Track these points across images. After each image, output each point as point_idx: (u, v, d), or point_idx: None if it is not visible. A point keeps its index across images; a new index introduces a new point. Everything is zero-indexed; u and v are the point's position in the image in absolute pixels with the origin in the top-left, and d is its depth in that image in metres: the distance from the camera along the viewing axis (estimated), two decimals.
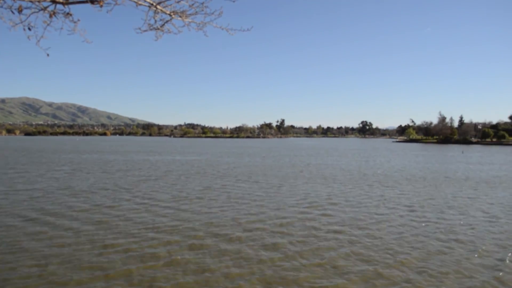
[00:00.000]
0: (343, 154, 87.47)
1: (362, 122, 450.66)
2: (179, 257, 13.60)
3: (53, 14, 7.11)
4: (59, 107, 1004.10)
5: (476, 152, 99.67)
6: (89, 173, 40.05)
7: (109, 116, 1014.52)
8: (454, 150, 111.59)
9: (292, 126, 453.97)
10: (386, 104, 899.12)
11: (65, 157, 66.50)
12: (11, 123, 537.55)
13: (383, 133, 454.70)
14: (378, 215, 20.90)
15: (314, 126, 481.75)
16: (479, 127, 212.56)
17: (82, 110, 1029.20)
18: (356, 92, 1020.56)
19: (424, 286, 11.44)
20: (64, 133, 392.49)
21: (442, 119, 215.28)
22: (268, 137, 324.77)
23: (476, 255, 14.16)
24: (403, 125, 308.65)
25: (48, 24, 7.22)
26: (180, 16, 7.78)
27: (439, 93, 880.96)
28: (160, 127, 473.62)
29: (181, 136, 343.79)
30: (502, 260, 13.70)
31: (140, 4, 7.27)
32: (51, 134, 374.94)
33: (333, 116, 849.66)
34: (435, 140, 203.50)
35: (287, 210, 21.98)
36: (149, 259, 13.45)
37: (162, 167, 49.29)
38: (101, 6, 6.89)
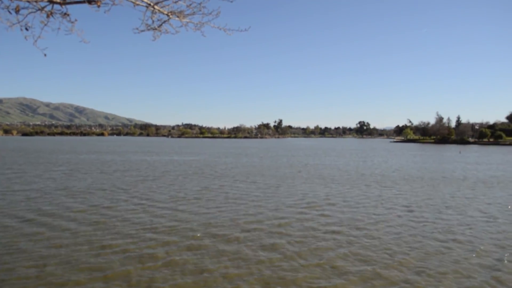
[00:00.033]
0: (340, 154, 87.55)
1: (359, 122, 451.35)
2: (177, 258, 13.58)
3: (50, 14, 7.09)
4: (57, 108, 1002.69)
5: (473, 152, 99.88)
6: (87, 174, 39.97)
7: (106, 117, 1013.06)
8: (451, 150, 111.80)
9: (290, 127, 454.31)
10: (383, 104, 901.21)
11: (63, 157, 66.35)
12: (8, 123, 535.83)
13: (381, 133, 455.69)
14: (376, 215, 20.91)
15: (312, 126, 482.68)
16: (476, 127, 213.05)
17: (80, 110, 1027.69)
18: (354, 92, 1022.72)
19: (423, 286, 11.44)
20: (61, 134, 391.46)
21: (440, 119, 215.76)
22: (266, 137, 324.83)
23: (474, 255, 14.17)
24: (400, 125, 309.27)
25: (45, 24, 7.19)
26: (178, 16, 7.77)
27: (437, 93, 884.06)
28: (157, 128, 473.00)
29: (179, 137, 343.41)
30: (500, 260, 13.72)
31: (137, 4, 7.25)
32: (49, 134, 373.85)
33: (331, 116, 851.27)
34: (433, 140, 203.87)
35: (285, 210, 21.97)
36: (147, 259, 13.42)
37: (159, 167, 49.24)
38: (99, 6, 6.88)
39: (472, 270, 12.69)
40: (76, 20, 7.31)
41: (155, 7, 7.45)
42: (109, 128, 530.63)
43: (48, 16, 7.10)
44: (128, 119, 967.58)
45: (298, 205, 23.46)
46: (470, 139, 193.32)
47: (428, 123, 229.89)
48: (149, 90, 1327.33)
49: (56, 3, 6.94)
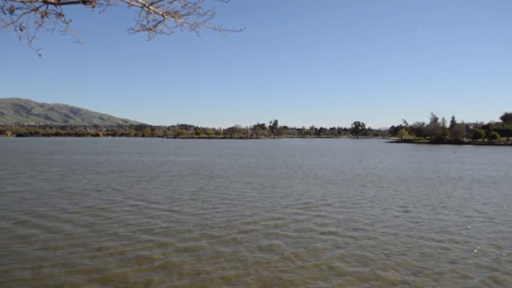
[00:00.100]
0: (336, 154, 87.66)
1: (355, 123, 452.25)
2: (174, 259, 13.53)
3: (45, 14, 7.06)
4: (51, 108, 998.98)
5: (468, 152, 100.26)
6: (82, 175, 39.80)
7: (101, 117, 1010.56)
8: (446, 150, 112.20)
9: (285, 127, 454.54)
10: (378, 105, 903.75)
11: (57, 158, 66.06)
12: (2, 124, 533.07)
13: (376, 133, 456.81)
14: (372, 215, 20.93)
15: (307, 127, 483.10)
16: (471, 127, 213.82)
17: (74, 111, 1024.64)
18: (349, 92, 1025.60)
19: (420, 286, 11.45)
20: (56, 134, 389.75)
21: (434, 119, 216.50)
22: (261, 138, 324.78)
23: (471, 255, 14.20)
24: (395, 125, 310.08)
25: (40, 25, 7.17)
26: (173, 17, 7.76)
27: (432, 94, 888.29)
28: (153, 128, 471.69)
29: (174, 137, 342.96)
30: (497, 260, 13.76)
31: (132, 5, 7.23)
32: (43, 135, 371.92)
33: (326, 117, 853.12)
34: (427, 141, 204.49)
35: (281, 211, 21.95)
36: (144, 261, 13.36)
37: (155, 168, 49.12)
38: (93, 6, 6.85)
39: (469, 270, 12.72)
40: (71, 20, 7.28)
41: (150, 7, 7.43)
42: (104, 129, 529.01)
43: (42, 17, 7.07)
44: (123, 120, 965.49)
45: (294, 206, 23.45)
46: (465, 139, 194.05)
47: (423, 124, 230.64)
48: (145, 91, 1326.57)
49: (51, 3, 6.91)
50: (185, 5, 7.68)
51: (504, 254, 14.35)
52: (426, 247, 15.16)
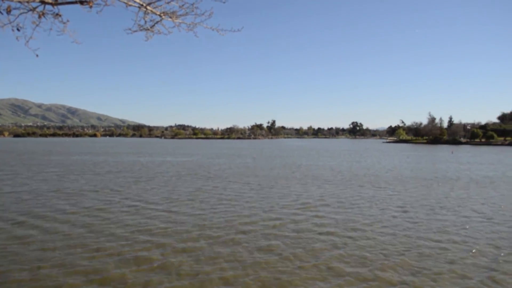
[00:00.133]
0: (334, 154, 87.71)
1: (352, 123, 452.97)
2: (172, 260, 13.51)
3: (42, 14, 7.04)
4: (49, 108, 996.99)
5: (465, 152, 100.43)
6: (79, 175, 39.71)
7: (99, 117, 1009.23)
8: (443, 151, 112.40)
9: (283, 127, 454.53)
10: (376, 105, 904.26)
11: (55, 158, 65.92)
12: None
13: (374, 133, 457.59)
14: (370, 216, 20.94)
15: (305, 127, 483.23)
16: (468, 127, 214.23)
17: (72, 111, 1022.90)
18: (347, 93, 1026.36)
19: (419, 286, 11.46)
20: (53, 135, 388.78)
21: (432, 119, 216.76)
22: (259, 138, 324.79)
23: (470, 255, 14.22)
24: (393, 126, 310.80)
25: (37, 25, 7.15)
26: (170, 17, 7.75)
27: (429, 94, 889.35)
28: (150, 128, 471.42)
29: (172, 137, 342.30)
30: (495, 260, 13.78)
31: (130, 5, 7.22)
32: (41, 135, 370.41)
33: (323, 117, 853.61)
34: (425, 141, 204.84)
35: (280, 211, 21.94)
36: (142, 262, 13.33)
37: (153, 168, 49.05)
38: (91, 6, 6.84)
39: (467, 270, 12.73)
40: (68, 20, 7.27)
41: (148, 7, 7.42)
42: (102, 129, 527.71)
43: (40, 17, 7.05)
44: (121, 120, 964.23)
45: (293, 206, 23.45)
46: (462, 140, 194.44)
47: (421, 124, 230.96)
48: (142, 91, 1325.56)
49: (48, 3, 6.89)
50: (183, 5, 7.68)
51: (502, 254, 14.38)
52: (425, 247, 15.17)
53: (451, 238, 16.52)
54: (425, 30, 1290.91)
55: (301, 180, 36.60)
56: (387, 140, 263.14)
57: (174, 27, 8.00)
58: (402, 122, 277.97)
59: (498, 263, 13.41)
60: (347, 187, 31.94)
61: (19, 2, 6.73)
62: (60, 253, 14.12)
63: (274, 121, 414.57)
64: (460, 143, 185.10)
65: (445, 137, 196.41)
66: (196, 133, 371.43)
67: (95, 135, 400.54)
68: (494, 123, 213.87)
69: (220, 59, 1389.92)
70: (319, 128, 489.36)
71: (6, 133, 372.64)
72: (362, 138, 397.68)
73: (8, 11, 6.79)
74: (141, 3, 7.29)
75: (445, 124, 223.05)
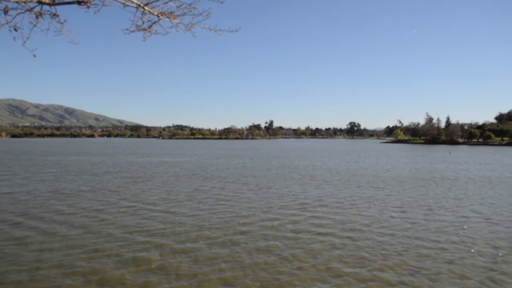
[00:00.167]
0: (332, 155, 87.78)
1: (350, 123, 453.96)
2: (171, 261, 13.48)
3: (39, 15, 7.02)
4: (46, 109, 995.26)
5: (463, 153, 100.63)
6: (77, 176, 39.64)
7: (96, 118, 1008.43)
8: (441, 151, 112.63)
9: (281, 127, 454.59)
10: (374, 105, 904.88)
11: (52, 159, 65.79)
12: None
13: (371, 134, 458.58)
14: (369, 216, 20.94)
15: (303, 127, 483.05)
16: (466, 127, 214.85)
17: (70, 111, 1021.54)
18: (345, 93, 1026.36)
19: (418, 287, 11.47)
20: (51, 135, 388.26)
21: (429, 120, 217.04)
22: (257, 138, 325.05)
23: (468, 255, 14.24)
24: (391, 126, 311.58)
25: (34, 25, 7.13)
26: (168, 17, 7.73)
27: (426, 94, 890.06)
28: (148, 129, 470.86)
29: (170, 138, 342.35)
30: (494, 260, 13.80)
31: (127, 5, 7.20)
32: (38, 136, 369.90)
33: (321, 117, 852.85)
34: (423, 141, 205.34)
35: (278, 212, 21.93)
36: (141, 262, 13.30)
37: (150, 169, 48.99)
38: (88, 7, 6.82)
39: (466, 270, 12.74)
40: (65, 21, 7.25)
41: (145, 8, 7.40)
42: (99, 130, 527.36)
43: (37, 17, 7.03)
44: (118, 121, 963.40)
45: (291, 207, 23.44)
46: (460, 140, 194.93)
47: (418, 124, 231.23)
48: (140, 92, 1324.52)
49: (45, 4, 6.87)
50: (180, 5, 7.66)
51: (501, 254, 14.40)
52: (423, 248, 15.19)
53: (449, 238, 16.54)
54: (422, 30, 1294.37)
55: (299, 181, 36.61)
56: (385, 140, 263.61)
57: (171, 27, 7.99)
58: (400, 122, 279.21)
59: (496, 263, 13.43)
60: (345, 188, 31.95)
61: (17, 2, 6.71)
62: (58, 254, 14.08)
63: (272, 122, 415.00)
64: (458, 143, 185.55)
65: (443, 137, 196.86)
66: (194, 133, 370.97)
67: (92, 136, 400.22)
68: (492, 123, 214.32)
69: (218, 60, 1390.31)
70: (317, 129, 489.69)
71: (4, 134, 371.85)
72: (360, 138, 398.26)
73: (6, 11, 6.77)
74: (138, 3, 7.27)
75: (443, 124, 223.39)
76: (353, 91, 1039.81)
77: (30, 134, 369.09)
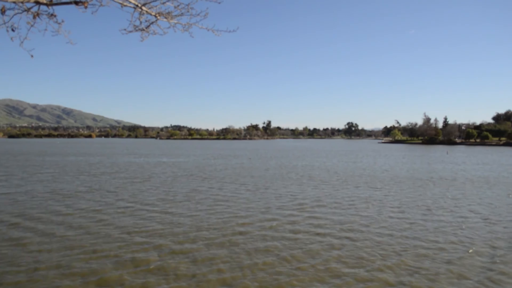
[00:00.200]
0: (330, 155, 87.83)
1: (348, 124, 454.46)
2: (170, 261, 13.47)
3: (37, 15, 7.00)
4: (44, 109, 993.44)
5: (460, 153, 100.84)
6: (75, 176, 39.57)
7: (94, 118, 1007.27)
8: (439, 151, 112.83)
9: (279, 128, 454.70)
10: (371, 105, 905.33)
11: (50, 159, 65.66)
12: None
13: (369, 134, 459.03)
14: (367, 216, 20.95)
15: (301, 128, 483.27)
16: (463, 127, 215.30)
17: (67, 112, 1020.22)
18: (342, 93, 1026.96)
19: (417, 287, 11.48)
20: (48, 136, 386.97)
21: (427, 120, 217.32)
22: (255, 139, 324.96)
23: (467, 255, 14.26)
24: (388, 126, 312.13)
25: (32, 25, 7.11)
26: (166, 17, 7.72)
27: (424, 94, 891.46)
28: (146, 129, 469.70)
29: (167, 138, 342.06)
30: (492, 260, 13.83)
31: (125, 6, 7.18)
32: (36, 136, 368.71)
33: (319, 118, 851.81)
34: (420, 141, 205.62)
35: (276, 212, 21.93)
36: (139, 263, 13.28)
37: (148, 169, 48.93)
38: (86, 7, 6.80)
39: (465, 270, 12.76)
40: (63, 21, 7.23)
41: (143, 8, 7.39)
42: (97, 130, 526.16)
43: (34, 17, 7.01)
44: (116, 121, 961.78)
45: (289, 207, 23.44)
46: (457, 140, 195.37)
47: (416, 124, 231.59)
48: (138, 92, 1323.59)
49: (43, 4, 6.85)
50: (178, 5, 7.65)
51: (499, 254, 14.43)
52: (422, 248, 15.21)
53: (448, 238, 16.56)
54: (419, 30, 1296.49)
55: (297, 181, 36.63)
56: (383, 141, 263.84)
57: (169, 27, 7.98)
58: (398, 122, 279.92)
59: (495, 263, 13.45)
60: (343, 188, 31.97)
61: (14, 2, 6.69)
62: (56, 254, 14.05)
63: (269, 122, 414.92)
64: (455, 143, 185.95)
65: (440, 138, 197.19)
66: (192, 133, 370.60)
67: (90, 136, 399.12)
68: (489, 124, 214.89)
69: (216, 60, 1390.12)
70: (314, 129, 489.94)
71: (1, 134, 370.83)
72: (358, 139, 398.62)
73: (3, 12, 6.74)
74: (136, 3, 7.26)
75: (440, 125, 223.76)
76: (351, 92, 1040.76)
77: (28, 135, 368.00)
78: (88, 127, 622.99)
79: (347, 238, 16.58)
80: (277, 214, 21.23)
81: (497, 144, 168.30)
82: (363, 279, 12.06)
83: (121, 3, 7.09)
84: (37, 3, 6.82)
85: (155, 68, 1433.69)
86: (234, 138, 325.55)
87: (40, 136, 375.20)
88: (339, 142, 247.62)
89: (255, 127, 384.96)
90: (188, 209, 22.65)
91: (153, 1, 7.49)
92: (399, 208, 23.23)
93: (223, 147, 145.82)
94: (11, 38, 7.18)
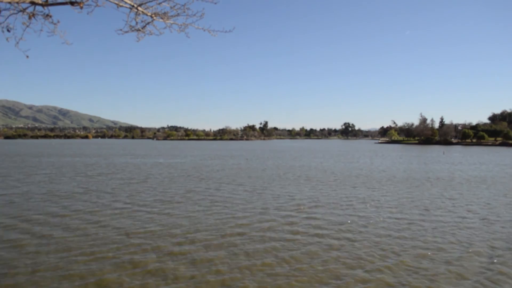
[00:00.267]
0: (326, 155, 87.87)
1: (344, 124, 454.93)
2: (168, 262, 13.42)
3: (32, 15, 6.97)
4: (40, 110, 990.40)
5: (457, 153, 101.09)
6: (71, 177, 39.44)
7: (91, 119, 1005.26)
8: (435, 151, 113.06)
9: (275, 128, 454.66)
10: (368, 106, 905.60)
11: (46, 160, 65.44)
12: None
13: (366, 134, 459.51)
14: (365, 217, 20.95)
15: (297, 128, 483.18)
16: (459, 128, 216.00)
17: (63, 112, 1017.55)
18: (339, 94, 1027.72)
19: (416, 287, 11.48)
20: (45, 136, 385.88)
21: (423, 120, 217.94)
22: (252, 139, 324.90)
23: (466, 255, 14.27)
24: (385, 126, 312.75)
25: (27, 26, 7.08)
26: (162, 18, 7.70)
27: (420, 95, 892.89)
28: (142, 130, 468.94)
29: (164, 139, 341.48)
30: (491, 259, 13.85)
31: (121, 6, 7.15)
32: (32, 137, 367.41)
33: (316, 118, 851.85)
34: (417, 141, 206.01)
35: (273, 213, 21.89)
36: (138, 264, 13.21)
37: (145, 170, 48.82)
38: (81, 7, 6.77)
39: (464, 271, 12.77)
40: (58, 21, 7.20)
41: (139, 8, 7.36)
42: (94, 131, 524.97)
43: (30, 18, 6.98)
44: (112, 122, 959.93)
45: (286, 208, 23.42)
46: (453, 140, 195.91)
47: (412, 124, 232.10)
48: (134, 92, 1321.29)
49: (38, 4, 6.82)
50: (174, 6, 7.62)
51: (498, 254, 14.45)
52: (420, 248, 15.22)
53: (446, 238, 16.58)
54: (416, 31, 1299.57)
55: (295, 181, 36.62)
56: (379, 141, 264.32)
57: (165, 28, 7.95)
58: (394, 122, 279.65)
59: (494, 263, 13.47)
60: (341, 188, 31.98)
61: (9, 3, 6.65)
62: (54, 256, 13.98)
63: (266, 122, 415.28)
64: (452, 143, 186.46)
65: (437, 138, 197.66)
66: (189, 134, 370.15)
67: (87, 137, 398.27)
68: (485, 124, 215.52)
69: (212, 61, 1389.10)
70: (311, 129, 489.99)
71: None
72: (354, 139, 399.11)
73: None
74: (132, 4, 7.23)
75: (437, 125, 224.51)
76: (347, 92, 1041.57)
77: (24, 136, 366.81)
78: (85, 128, 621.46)
79: (345, 238, 16.57)
80: (276, 215, 21.20)
81: (493, 144, 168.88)
82: (362, 279, 12.05)
83: (117, 4, 7.06)
84: (33, 3, 6.79)
85: (152, 68, 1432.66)
86: (231, 139, 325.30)
87: (36, 137, 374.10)
88: (336, 143, 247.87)
89: (252, 127, 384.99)
90: (186, 210, 22.60)
91: (149, 2, 7.46)
92: (397, 208, 23.24)
93: (220, 147, 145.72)
94: (7, 39, 7.15)
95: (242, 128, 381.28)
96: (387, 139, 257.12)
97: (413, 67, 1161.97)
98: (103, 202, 24.88)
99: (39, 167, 52.42)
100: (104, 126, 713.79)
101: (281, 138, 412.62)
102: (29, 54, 7.84)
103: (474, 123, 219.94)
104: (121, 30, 7.67)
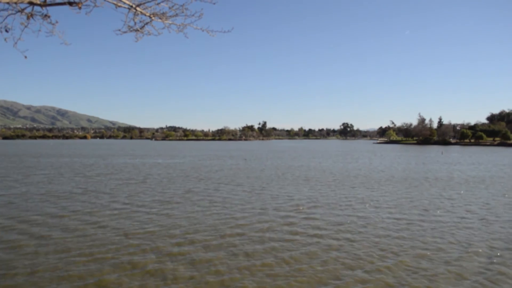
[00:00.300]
0: (325, 155, 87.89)
1: (343, 124, 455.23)
2: (168, 263, 13.40)
3: (30, 16, 6.96)
4: (38, 110, 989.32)
5: (455, 153, 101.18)
6: (70, 178, 39.38)
7: (89, 119, 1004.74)
8: (434, 151, 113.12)
9: (274, 128, 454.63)
10: (367, 106, 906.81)
11: (45, 161, 65.34)
12: None
13: (364, 134, 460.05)
14: (364, 217, 20.94)
15: (296, 128, 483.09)
16: (458, 128, 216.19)
17: (62, 113, 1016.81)
18: (337, 94, 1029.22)
19: (416, 287, 11.48)
20: (43, 137, 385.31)
21: (422, 120, 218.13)
22: (250, 140, 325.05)
23: (465, 256, 14.28)
24: (383, 126, 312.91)
25: (25, 26, 7.06)
26: (160, 18, 7.69)
27: (419, 95, 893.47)
28: (141, 130, 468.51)
29: (163, 139, 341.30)
30: (491, 260, 13.85)
31: (119, 6, 7.14)
32: (30, 137, 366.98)
33: (314, 118, 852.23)
34: (415, 141, 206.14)
35: (272, 213, 21.87)
36: (137, 265, 13.19)
37: (143, 170, 48.76)
38: (80, 8, 6.75)
39: (463, 270, 12.77)
40: (57, 22, 7.18)
41: (137, 8, 7.35)
42: (92, 131, 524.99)
43: (28, 18, 6.96)
44: (111, 122, 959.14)
45: (285, 208, 23.40)
46: (452, 140, 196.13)
47: (411, 124, 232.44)
48: (133, 93, 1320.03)
49: (37, 4, 6.80)
50: (173, 6, 7.62)
51: (497, 254, 14.46)
52: (420, 248, 15.21)
53: (445, 239, 16.58)
54: (415, 31, 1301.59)
55: (293, 182, 36.61)
56: (378, 141, 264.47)
57: (164, 28, 7.94)
58: (393, 123, 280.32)
59: (493, 263, 13.47)
60: (340, 188, 31.98)
61: (7, 3, 6.63)
62: (53, 257, 13.95)
63: (265, 122, 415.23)
64: (450, 143, 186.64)
65: (435, 138, 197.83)
66: (187, 134, 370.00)
67: (85, 137, 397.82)
68: (483, 124, 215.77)
69: (211, 61, 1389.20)
70: (310, 129, 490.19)
71: None
72: (353, 139, 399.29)
73: None
74: (130, 4, 7.21)
75: (435, 125, 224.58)
76: (346, 92, 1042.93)
77: (22, 136, 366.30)
78: (83, 128, 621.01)
79: (344, 239, 16.57)
80: (275, 215, 21.18)
81: (492, 144, 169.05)
82: (361, 279, 12.05)
83: (115, 4, 7.05)
84: (31, 3, 6.77)
85: (150, 69, 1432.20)
86: (230, 139, 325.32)
87: (35, 137, 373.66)
88: (335, 143, 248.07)
89: (251, 127, 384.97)
90: (185, 210, 22.58)
91: (148, 2, 7.45)
92: (396, 209, 23.24)
93: (219, 148, 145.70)
94: (5, 39, 7.13)
95: (241, 128, 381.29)
96: (386, 139, 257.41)
97: (412, 67, 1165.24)
98: (102, 203, 24.85)
99: (37, 167, 52.34)
100: (103, 127, 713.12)
101: (279, 139, 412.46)
102: (27, 55, 7.82)
103: (472, 123, 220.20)
104: (119, 30, 7.66)
